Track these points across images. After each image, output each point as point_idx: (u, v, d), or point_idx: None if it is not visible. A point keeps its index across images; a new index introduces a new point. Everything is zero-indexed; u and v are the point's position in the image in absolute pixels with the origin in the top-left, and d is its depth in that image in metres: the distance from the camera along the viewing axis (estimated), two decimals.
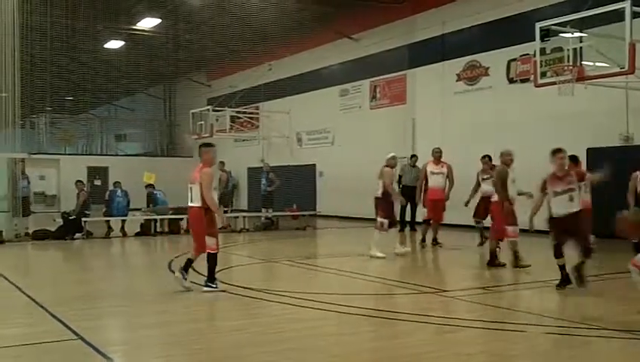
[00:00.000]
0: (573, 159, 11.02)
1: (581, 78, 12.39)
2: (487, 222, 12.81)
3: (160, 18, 24.43)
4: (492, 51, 18.03)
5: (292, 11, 22.33)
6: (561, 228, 8.33)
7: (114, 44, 27.79)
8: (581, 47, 12.89)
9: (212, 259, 8.40)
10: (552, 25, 12.82)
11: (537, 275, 9.68)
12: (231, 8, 22.81)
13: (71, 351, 5.84)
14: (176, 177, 21.22)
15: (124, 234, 16.97)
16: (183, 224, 17.39)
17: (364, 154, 21.31)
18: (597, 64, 12.92)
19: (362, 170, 20.25)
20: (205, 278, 8.48)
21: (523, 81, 16.84)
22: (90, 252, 14.58)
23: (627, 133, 14.73)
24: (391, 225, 12.22)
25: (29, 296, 8.35)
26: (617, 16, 11.72)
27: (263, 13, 22.32)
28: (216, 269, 8.51)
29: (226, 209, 17.93)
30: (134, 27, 25.29)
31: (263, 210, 19.51)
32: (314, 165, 25.06)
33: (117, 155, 35.04)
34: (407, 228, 16.91)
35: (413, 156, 17.78)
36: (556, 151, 8.50)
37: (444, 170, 13.95)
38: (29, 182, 18.25)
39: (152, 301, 8.25)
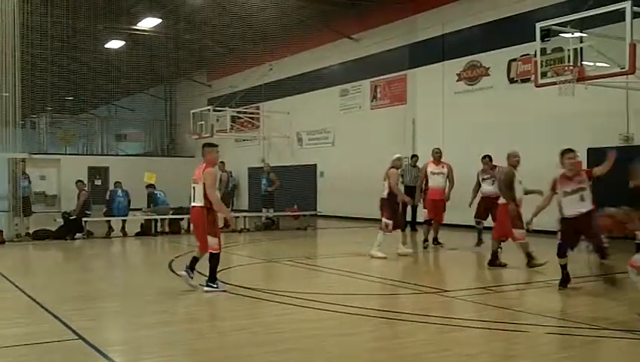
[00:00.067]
0: None
1: (581, 78, 12.37)
2: (488, 222, 12.87)
3: (160, 18, 24.46)
4: (493, 51, 18.02)
5: (292, 11, 22.35)
6: (573, 229, 8.24)
7: (114, 44, 27.84)
8: (581, 48, 12.87)
9: (214, 259, 8.41)
10: (553, 25, 12.82)
11: (538, 275, 9.70)
12: (231, 8, 22.85)
13: (71, 351, 5.84)
14: (177, 177, 21.38)
15: (125, 234, 16.98)
16: (184, 224, 17.44)
17: (364, 154, 21.36)
18: (597, 64, 12.90)
19: (363, 170, 20.32)
20: (206, 278, 8.48)
21: (523, 81, 16.85)
22: (91, 252, 14.57)
23: (627, 134, 14.75)
24: (396, 226, 12.23)
25: (29, 296, 8.35)
26: (618, 17, 11.72)
27: (264, 13, 22.36)
28: (217, 269, 8.51)
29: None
30: (135, 27, 25.33)
31: (264, 210, 19.52)
32: (314, 165, 25.07)
33: (117, 155, 35.05)
34: (408, 229, 16.89)
35: (414, 156, 17.77)
36: (565, 152, 8.44)
37: (445, 170, 13.93)
38: (29, 182, 18.23)
39: (152, 301, 8.25)
